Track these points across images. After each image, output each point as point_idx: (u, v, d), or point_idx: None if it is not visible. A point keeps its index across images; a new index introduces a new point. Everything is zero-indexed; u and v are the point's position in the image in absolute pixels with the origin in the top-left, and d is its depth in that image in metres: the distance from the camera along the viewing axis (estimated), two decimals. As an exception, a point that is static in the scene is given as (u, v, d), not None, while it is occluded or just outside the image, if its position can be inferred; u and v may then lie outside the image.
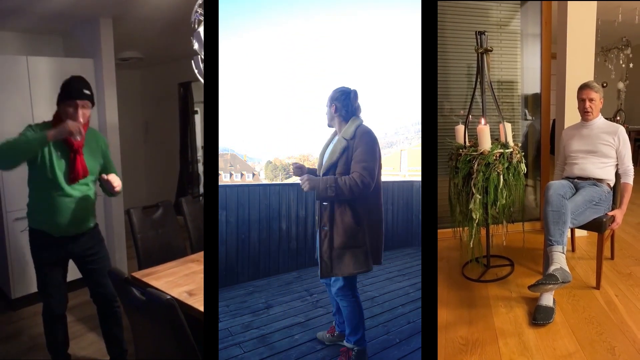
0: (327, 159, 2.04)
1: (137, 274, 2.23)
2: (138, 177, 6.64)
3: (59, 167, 2.26)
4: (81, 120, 2.22)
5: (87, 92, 2.25)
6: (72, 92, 2.25)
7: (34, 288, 3.47)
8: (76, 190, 2.32)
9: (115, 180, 2.33)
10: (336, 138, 2.08)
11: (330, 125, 2.13)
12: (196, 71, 2.13)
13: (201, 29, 2.04)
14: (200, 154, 6.37)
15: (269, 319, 2.66)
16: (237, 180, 30.53)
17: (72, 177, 2.29)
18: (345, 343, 2.16)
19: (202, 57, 2.11)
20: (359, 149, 1.92)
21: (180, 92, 6.09)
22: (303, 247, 3.83)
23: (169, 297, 1.54)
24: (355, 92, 2.07)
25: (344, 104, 2.04)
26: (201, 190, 6.27)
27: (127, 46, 4.76)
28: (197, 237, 2.98)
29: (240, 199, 3.40)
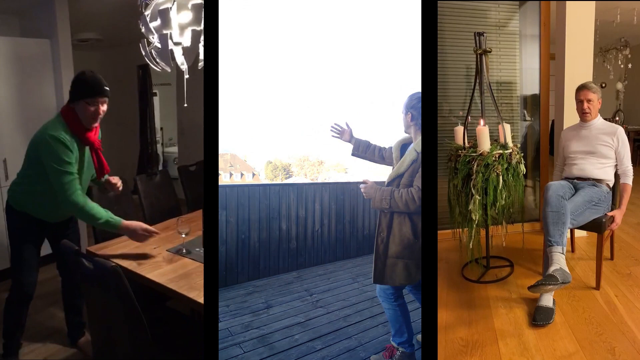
0: (395, 168, 1.99)
1: (92, 248, 2.36)
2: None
3: (83, 167, 2.29)
4: (101, 114, 2.23)
5: (107, 88, 2.21)
6: (95, 88, 2.17)
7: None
8: (85, 185, 2.38)
9: (118, 181, 2.54)
10: (411, 146, 2.00)
11: (406, 132, 2.05)
12: (143, 53, 2.11)
13: (147, 13, 2.00)
14: (159, 135, 6.58)
15: (269, 319, 2.66)
16: (237, 180, 30.50)
17: (104, 172, 2.39)
18: (391, 341, 2.14)
19: (149, 40, 2.10)
20: None
21: (139, 74, 6.12)
22: (303, 247, 3.83)
23: (113, 264, 1.69)
24: None
25: (421, 112, 1.92)
26: (160, 169, 6.48)
27: (85, 27, 4.67)
28: (150, 214, 3.09)
29: (240, 199, 3.41)
